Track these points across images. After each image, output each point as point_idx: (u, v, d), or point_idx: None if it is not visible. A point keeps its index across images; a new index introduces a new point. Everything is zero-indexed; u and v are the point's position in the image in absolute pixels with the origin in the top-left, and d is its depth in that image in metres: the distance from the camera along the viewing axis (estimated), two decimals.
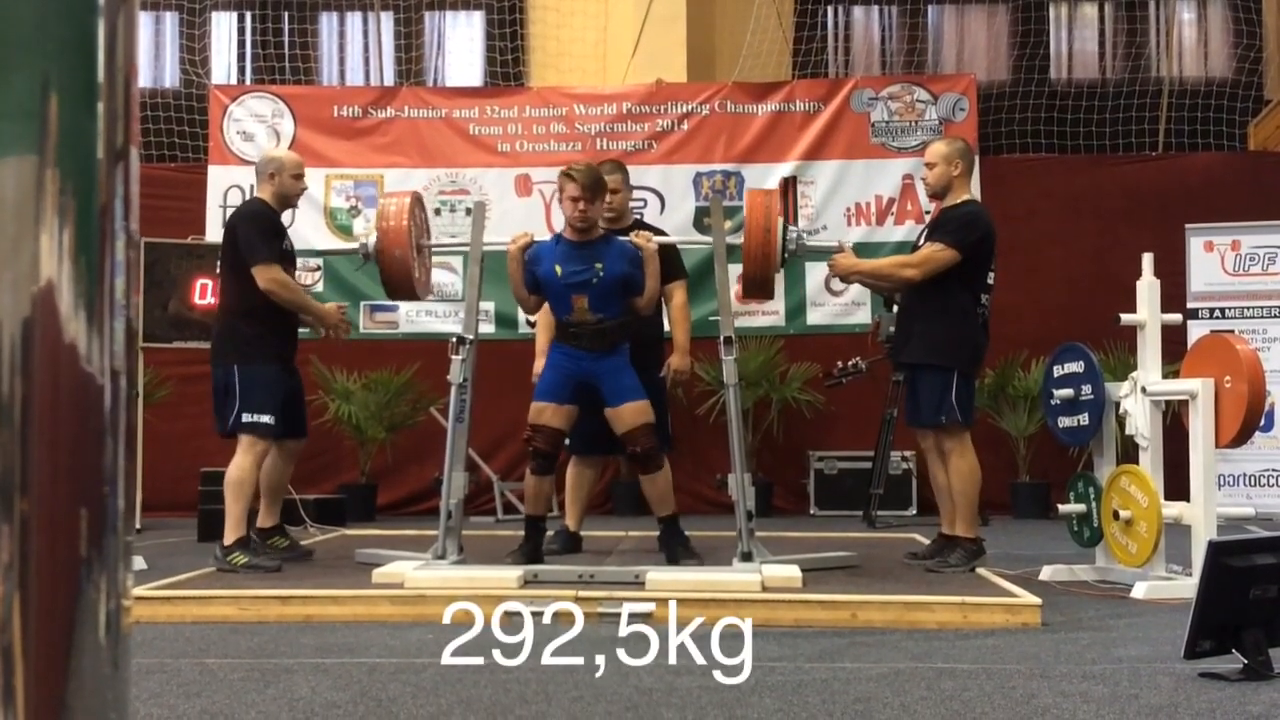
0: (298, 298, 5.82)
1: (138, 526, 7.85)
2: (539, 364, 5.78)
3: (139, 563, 5.89)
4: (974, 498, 5.38)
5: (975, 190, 9.24)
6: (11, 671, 0.78)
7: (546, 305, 5.62)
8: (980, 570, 5.40)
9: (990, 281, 5.59)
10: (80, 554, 0.84)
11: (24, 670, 0.79)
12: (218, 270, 6.05)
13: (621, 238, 5.52)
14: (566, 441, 5.61)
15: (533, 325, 9.11)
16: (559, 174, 5.50)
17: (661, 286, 5.57)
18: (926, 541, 5.95)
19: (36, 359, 0.81)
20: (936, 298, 5.48)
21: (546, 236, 5.71)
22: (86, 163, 0.86)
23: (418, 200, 5.67)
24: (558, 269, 5.37)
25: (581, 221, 5.34)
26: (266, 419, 5.53)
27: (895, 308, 6.26)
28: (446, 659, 3.74)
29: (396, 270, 5.44)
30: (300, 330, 5.98)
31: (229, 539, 5.45)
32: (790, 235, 5.31)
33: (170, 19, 10.10)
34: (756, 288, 5.50)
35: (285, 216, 6.08)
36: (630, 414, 5.36)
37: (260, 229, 5.65)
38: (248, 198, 9.18)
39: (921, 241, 5.73)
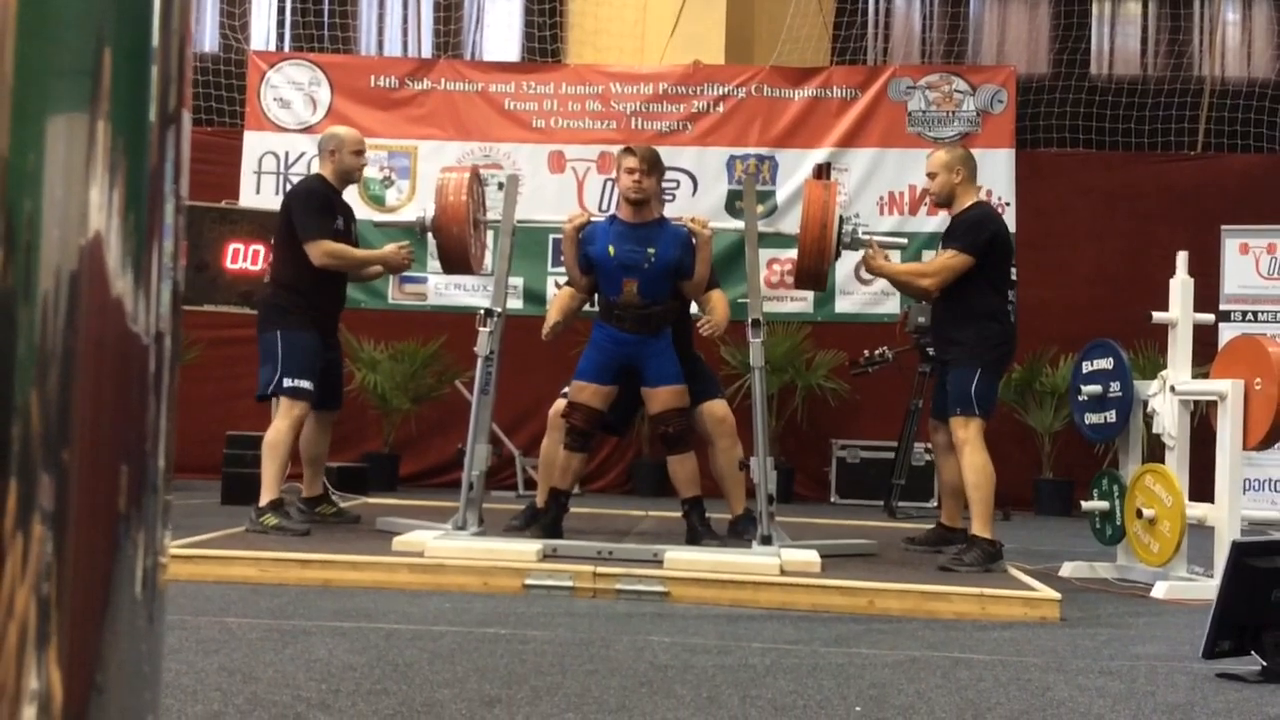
0: (353, 260, 5.96)
1: None
2: (552, 314, 5.82)
3: None
4: (988, 495, 5.28)
5: (1009, 184, 9.23)
6: (48, 619, 0.79)
7: (564, 290, 5.65)
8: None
9: (1013, 278, 5.59)
10: (119, 509, 0.85)
11: (59, 618, 0.80)
12: (272, 241, 6.11)
13: (675, 221, 5.56)
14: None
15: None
16: (619, 151, 5.58)
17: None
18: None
19: (82, 313, 0.82)
20: (965, 302, 5.45)
21: (601, 218, 5.71)
22: (138, 124, 0.86)
23: (475, 176, 5.71)
24: (611, 249, 5.46)
25: (636, 192, 5.41)
26: (306, 384, 5.60)
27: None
28: (465, 628, 3.76)
29: (454, 245, 5.48)
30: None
31: (262, 500, 5.51)
32: (846, 230, 5.32)
33: None
34: (809, 279, 5.53)
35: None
36: (666, 396, 5.44)
37: (310, 207, 5.75)
38: (305, 173, 9.29)
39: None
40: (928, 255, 6.13)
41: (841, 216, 5.36)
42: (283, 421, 5.57)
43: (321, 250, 5.66)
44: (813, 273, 5.42)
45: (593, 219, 5.68)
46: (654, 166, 5.47)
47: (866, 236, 5.51)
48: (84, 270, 0.82)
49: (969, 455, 5.28)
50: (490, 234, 6.10)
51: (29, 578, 0.78)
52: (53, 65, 0.81)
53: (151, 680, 0.88)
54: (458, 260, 5.57)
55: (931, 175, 5.66)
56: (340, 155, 5.87)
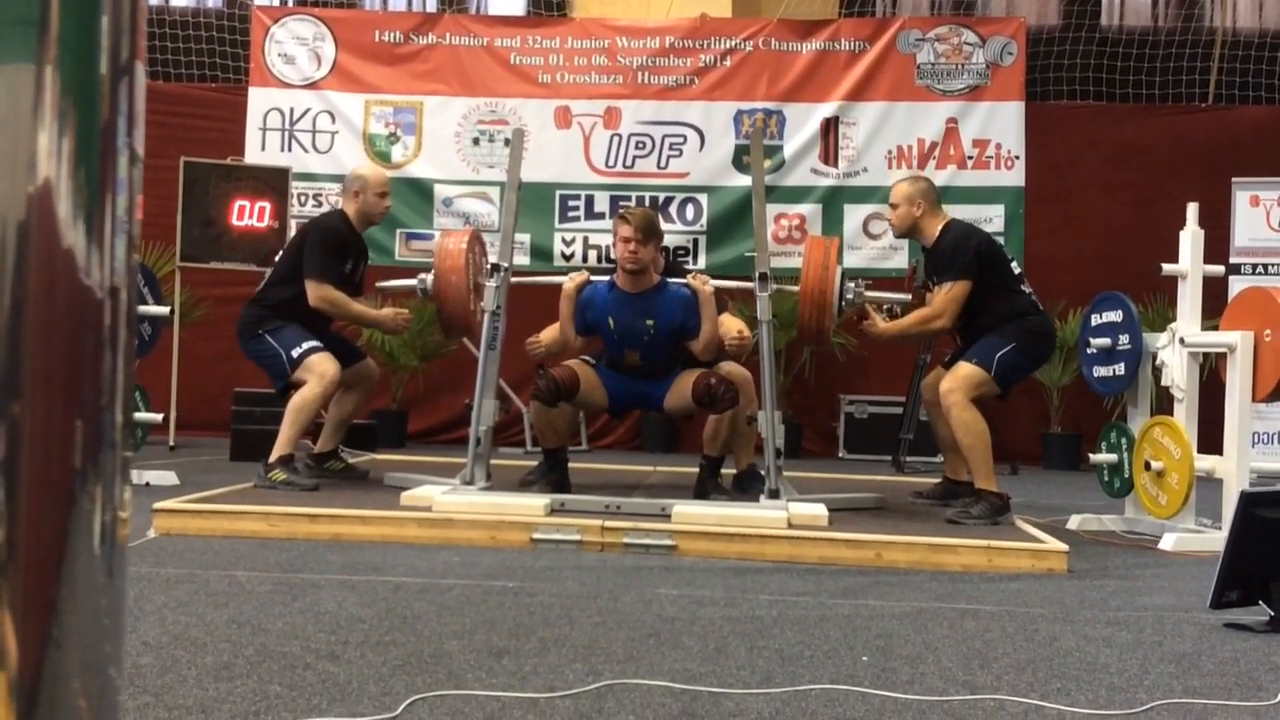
0: (347, 313, 5.89)
1: (171, 444, 7.94)
2: (545, 334, 5.73)
3: (170, 478, 5.96)
4: (985, 452, 5.25)
5: (1018, 137, 9.15)
6: (1, 571, 0.79)
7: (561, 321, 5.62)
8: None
9: (1018, 271, 5.56)
10: (75, 465, 0.84)
11: (13, 572, 0.79)
12: (276, 258, 6.07)
13: (676, 281, 5.51)
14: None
15: (568, 259, 9.16)
16: (615, 216, 5.51)
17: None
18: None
19: (32, 263, 0.80)
20: (986, 318, 5.41)
21: (603, 281, 5.61)
22: (88, 74, 0.84)
23: (476, 238, 5.68)
24: (610, 321, 5.47)
25: (632, 262, 5.38)
26: (313, 343, 5.60)
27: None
28: (473, 581, 3.77)
29: (454, 310, 5.46)
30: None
31: (273, 456, 5.52)
32: (848, 286, 5.27)
33: None
34: (811, 337, 5.49)
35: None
36: (686, 379, 5.47)
37: (327, 246, 5.73)
38: (310, 129, 9.29)
39: (927, 283, 5.72)
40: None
41: (843, 271, 5.33)
42: (314, 388, 5.54)
43: (321, 294, 5.65)
44: (814, 329, 5.38)
45: (593, 279, 5.59)
46: (649, 234, 5.40)
47: (863, 295, 5.40)
48: (33, 220, 0.80)
49: (956, 414, 5.25)
50: (497, 190, 6.06)
51: None
52: None
53: (112, 634, 0.88)
54: (458, 325, 5.55)
55: (894, 206, 5.65)
56: (365, 197, 5.84)
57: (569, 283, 5.55)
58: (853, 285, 5.31)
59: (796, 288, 5.30)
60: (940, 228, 5.55)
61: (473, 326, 5.56)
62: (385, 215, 6.10)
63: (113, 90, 0.87)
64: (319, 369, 5.54)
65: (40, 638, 0.81)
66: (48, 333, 0.81)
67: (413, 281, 5.66)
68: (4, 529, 0.78)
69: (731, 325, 5.58)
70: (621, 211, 5.51)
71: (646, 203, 9.07)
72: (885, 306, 5.71)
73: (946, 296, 5.41)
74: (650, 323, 5.44)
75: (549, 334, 5.71)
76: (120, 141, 0.88)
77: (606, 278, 5.59)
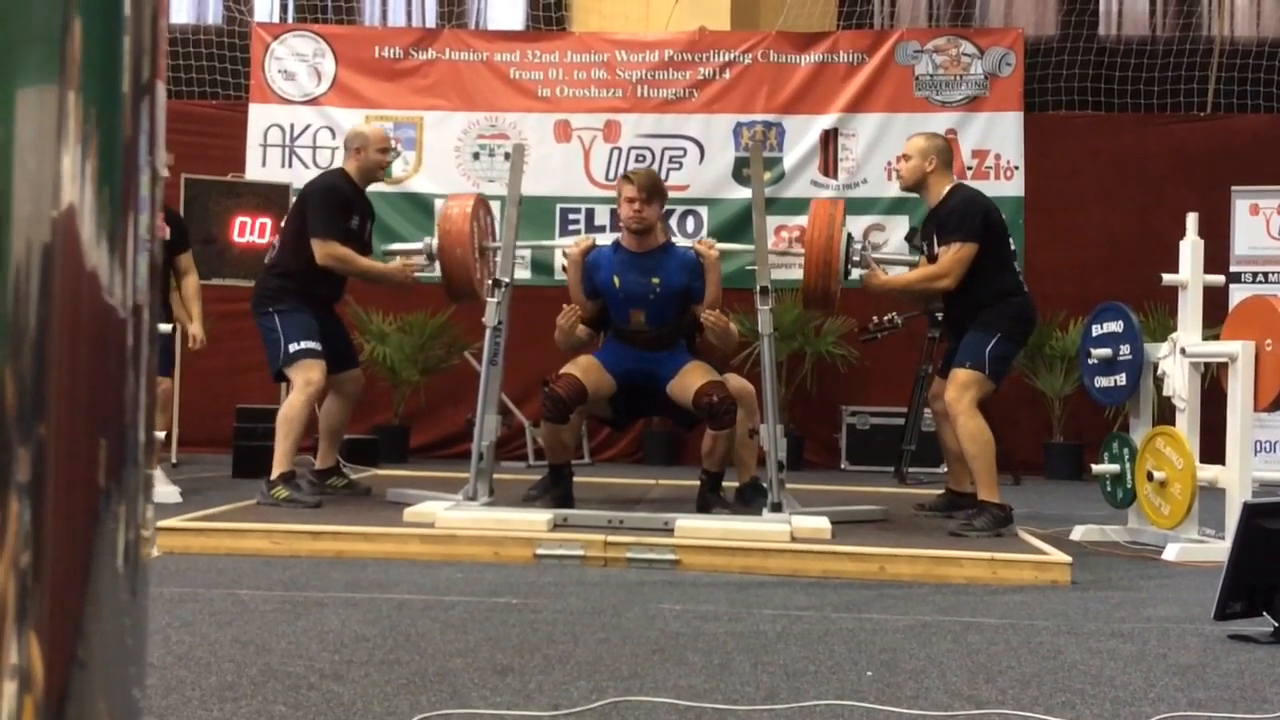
0: (356, 268, 5.88)
1: (173, 461, 7.94)
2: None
3: (173, 495, 5.96)
4: (989, 461, 5.24)
5: (1017, 147, 9.18)
6: (27, 593, 0.79)
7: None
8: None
9: (1012, 249, 5.56)
10: (99, 483, 0.84)
11: (39, 592, 0.79)
12: (282, 224, 6.08)
13: (682, 244, 5.53)
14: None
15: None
16: (619, 178, 5.54)
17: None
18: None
19: (57, 285, 0.80)
20: (978, 289, 5.39)
21: (608, 242, 5.65)
22: (111, 95, 0.84)
23: (481, 203, 5.69)
24: (616, 280, 5.46)
25: (637, 222, 5.39)
26: (312, 344, 5.60)
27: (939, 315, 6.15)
28: (476, 598, 3.77)
29: (458, 272, 5.46)
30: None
31: (273, 474, 5.52)
32: (854, 247, 5.27)
33: None
34: (818, 301, 5.48)
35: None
36: (694, 374, 5.45)
37: (329, 204, 5.74)
38: (311, 145, 9.32)
39: (919, 241, 5.70)
40: None
41: (849, 234, 5.33)
42: (298, 396, 5.56)
43: (328, 251, 5.66)
44: (820, 294, 5.36)
45: (598, 244, 5.64)
46: (654, 194, 5.42)
47: (869, 255, 5.41)
48: (57, 242, 0.80)
49: (963, 423, 5.24)
50: (498, 205, 6.07)
51: (7, 552, 0.77)
52: (21, 35, 0.79)
53: (135, 654, 0.88)
54: (462, 288, 5.54)
55: (906, 157, 5.65)
56: (366, 153, 5.86)
57: (574, 248, 5.57)
58: (858, 246, 5.32)
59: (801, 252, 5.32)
60: (947, 189, 5.54)
61: (478, 294, 5.57)
62: (385, 172, 6.13)
63: (135, 110, 0.87)
64: (305, 375, 5.56)
65: (66, 658, 0.81)
66: (72, 353, 0.82)
67: (419, 245, 5.70)
68: (30, 549, 0.78)
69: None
70: (624, 172, 5.53)
71: None
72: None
73: (954, 257, 5.40)
74: (656, 281, 5.44)
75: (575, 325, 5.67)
76: (142, 160, 0.88)
77: (612, 239, 5.63)
